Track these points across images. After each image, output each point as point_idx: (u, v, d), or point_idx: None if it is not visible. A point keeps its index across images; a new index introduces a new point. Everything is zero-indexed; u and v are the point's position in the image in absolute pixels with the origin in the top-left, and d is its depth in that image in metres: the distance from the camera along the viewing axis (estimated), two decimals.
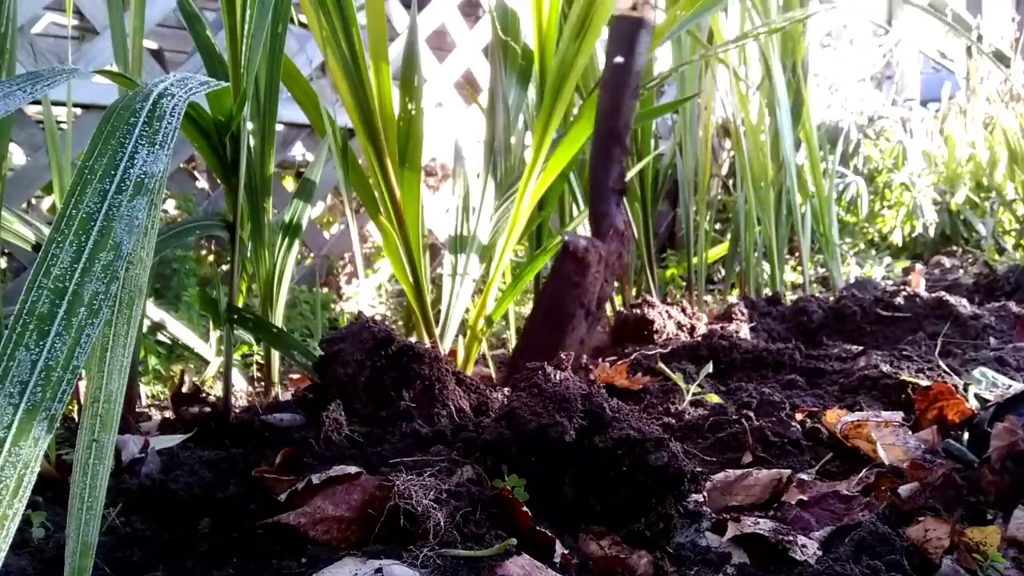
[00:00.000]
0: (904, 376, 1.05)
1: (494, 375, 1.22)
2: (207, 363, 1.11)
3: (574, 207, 1.63)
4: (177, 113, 0.40)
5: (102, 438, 0.36)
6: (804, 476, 0.80)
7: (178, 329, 1.03)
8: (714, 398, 1.07)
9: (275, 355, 1.04)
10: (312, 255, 2.17)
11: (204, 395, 1.04)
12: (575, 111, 1.34)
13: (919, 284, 2.08)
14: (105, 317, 0.33)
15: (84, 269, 0.34)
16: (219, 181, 0.85)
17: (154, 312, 1.04)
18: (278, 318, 0.99)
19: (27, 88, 0.41)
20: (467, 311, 1.21)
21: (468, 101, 2.27)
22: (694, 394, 1.09)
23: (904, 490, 0.71)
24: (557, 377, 0.70)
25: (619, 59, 1.09)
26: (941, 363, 1.19)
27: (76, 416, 0.97)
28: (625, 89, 1.10)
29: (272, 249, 0.96)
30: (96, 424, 0.37)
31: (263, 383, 1.10)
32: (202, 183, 2.15)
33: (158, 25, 1.82)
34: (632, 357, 1.24)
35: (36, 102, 1.68)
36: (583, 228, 1.49)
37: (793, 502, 0.72)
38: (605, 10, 1.26)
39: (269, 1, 0.76)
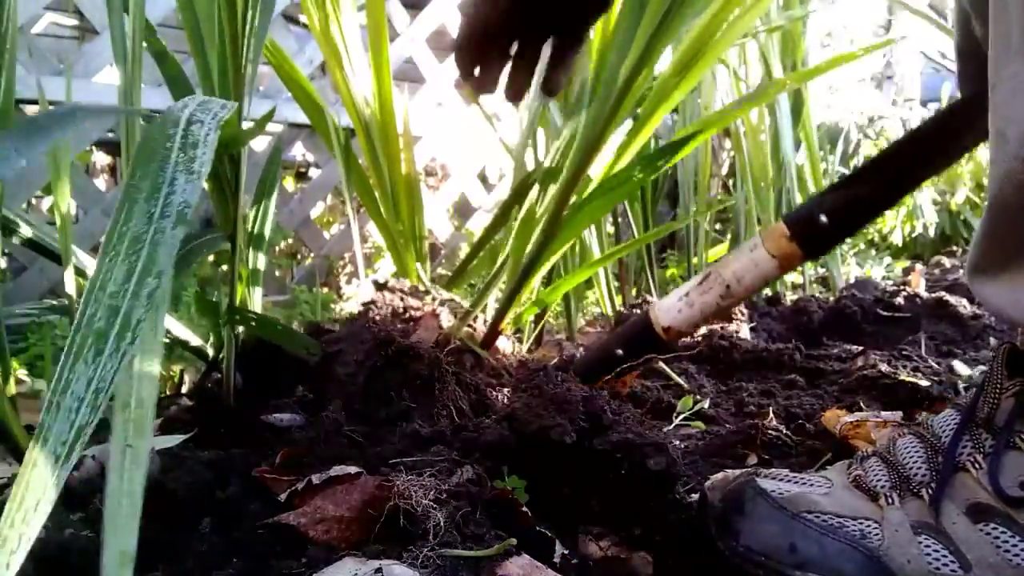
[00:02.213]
0: (903, 376, 1.05)
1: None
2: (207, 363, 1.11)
3: None
4: (210, 144, 0.42)
5: (136, 443, 0.37)
6: None
7: (178, 329, 1.03)
8: (688, 402, 1.07)
9: None
10: (312, 255, 2.18)
11: (204, 395, 1.04)
12: None
13: (919, 284, 2.08)
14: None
15: (134, 292, 0.35)
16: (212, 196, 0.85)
17: None
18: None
19: (65, 124, 0.43)
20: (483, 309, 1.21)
21: (468, 101, 2.27)
22: (694, 395, 1.09)
23: None
24: (559, 379, 0.70)
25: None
26: (940, 363, 1.19)
27: None
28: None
29: (244, 240, 0.96)
30: (129, 429, 0.37)
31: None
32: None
33: (158, 25, 1.83)
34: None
35: (34, 101, 1.68)
36: None
37: None
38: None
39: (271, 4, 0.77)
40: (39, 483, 0.31)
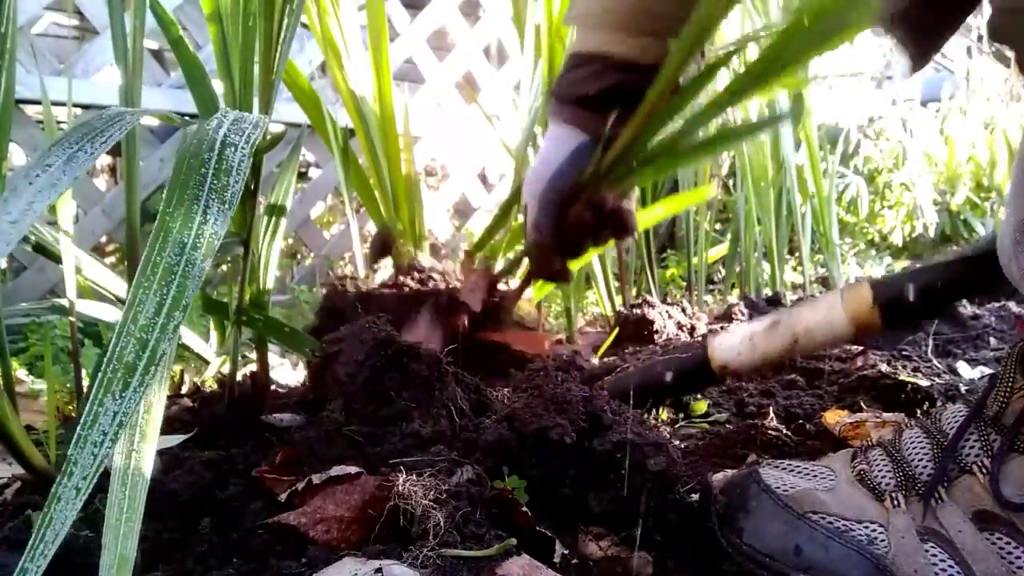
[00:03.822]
0: (903, 376, 1.05)
1: None
2: (207, 363, 1.11)
3: None
4: (244, 170, 0.43)
5: (142, 448, 0.37)
6: None
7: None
8: (702, 406, 1.07)
9: (272, 356, 1.04)
10: (312, 255, 2.18)
11: (204, 395, 1.04)
12: None
13: None
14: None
15: (163, 325, 0.35)
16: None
17: None
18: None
19: (88, 148, 0.43)
20: None
21: (468, 101, 2.27)
22: (694, 395, 1.09)
23: None
24: (559, 379, 0.70)
25: None
26: (940, 364, 1.19)
27: (76, 415, 0.97)
28: None
29: (257, 243, 0.97)
30: (136, 434, 0.37)
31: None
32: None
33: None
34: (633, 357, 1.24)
35: (36, 102, 1.68)
36: None
37: None
38: None
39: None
40: (60, 518, 0.31)
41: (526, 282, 1.04)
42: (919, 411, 0.95)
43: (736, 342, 0.90)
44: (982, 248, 0.80)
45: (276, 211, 0.98)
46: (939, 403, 0.96)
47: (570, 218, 0.88)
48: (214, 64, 0.84)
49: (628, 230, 0.91)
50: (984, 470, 0.59)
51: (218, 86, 0.87)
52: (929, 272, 0.82)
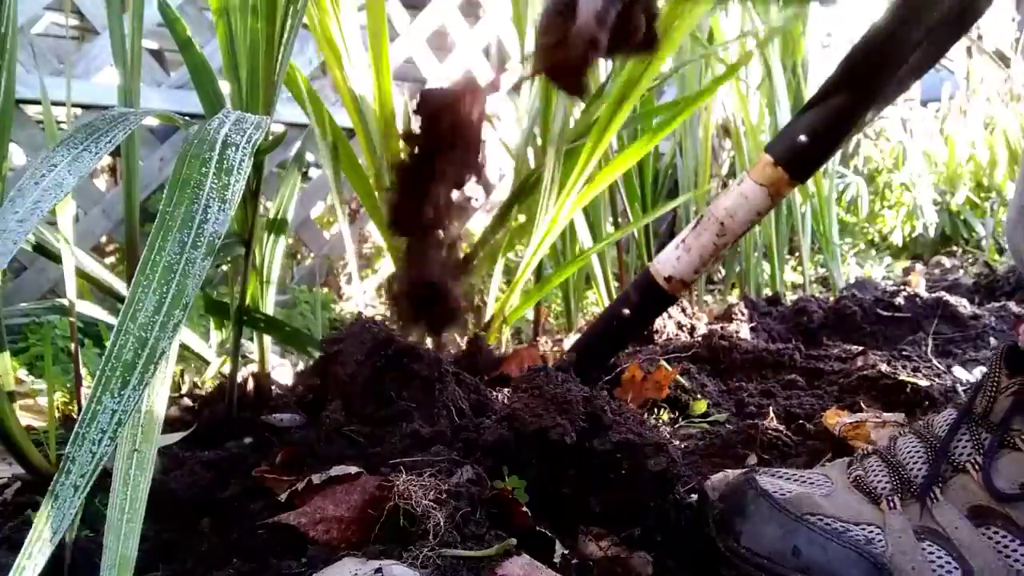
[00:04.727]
0: (903, 376, 1.05)
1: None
2: (207, 363, 1.11)
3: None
4: (244, 170, 0.43)
5: (144, 448, 0.37)
6: None
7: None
8: (702, 406, 1.07)
9: (272, 356, 1.04)
10: (312, 255, 2.18)
11: (204, 395, 1.04)
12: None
13: (919, 284, 2.08)
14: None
15: (162, 324, 0.35)
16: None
17: None
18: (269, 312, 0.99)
19: (92, 148, 0.43)
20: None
21: None
22: (694, 395, 1.09)
23: None
24: (559, 379, 0.70)
25: None
26: (940, 364, 1.19)
27: (76, 415, 0.97)
28: None
29: (260, 245, 0.96)
30: (138, 434, 0.37)
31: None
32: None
33: (158, 25, 1.82)
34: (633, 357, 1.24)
35: (36, 101, 1.68)
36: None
37: None
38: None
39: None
40: (58, 516, 0.31)
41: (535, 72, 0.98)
42: (919, 411, 0.95)
43: (671, 252, 0.94)
44: (842, 71, 0.82)
45: (279, 211, 0.98)
46: (939, 404, 0.96)
47: (632, 17, 0.84)
48: (215, 64, 0.84)
49: (657, 44, 0.91)
50: (977, 467, 0.60)
51: (224, 87, 0.87)
52: (811, 114, 0.84)
